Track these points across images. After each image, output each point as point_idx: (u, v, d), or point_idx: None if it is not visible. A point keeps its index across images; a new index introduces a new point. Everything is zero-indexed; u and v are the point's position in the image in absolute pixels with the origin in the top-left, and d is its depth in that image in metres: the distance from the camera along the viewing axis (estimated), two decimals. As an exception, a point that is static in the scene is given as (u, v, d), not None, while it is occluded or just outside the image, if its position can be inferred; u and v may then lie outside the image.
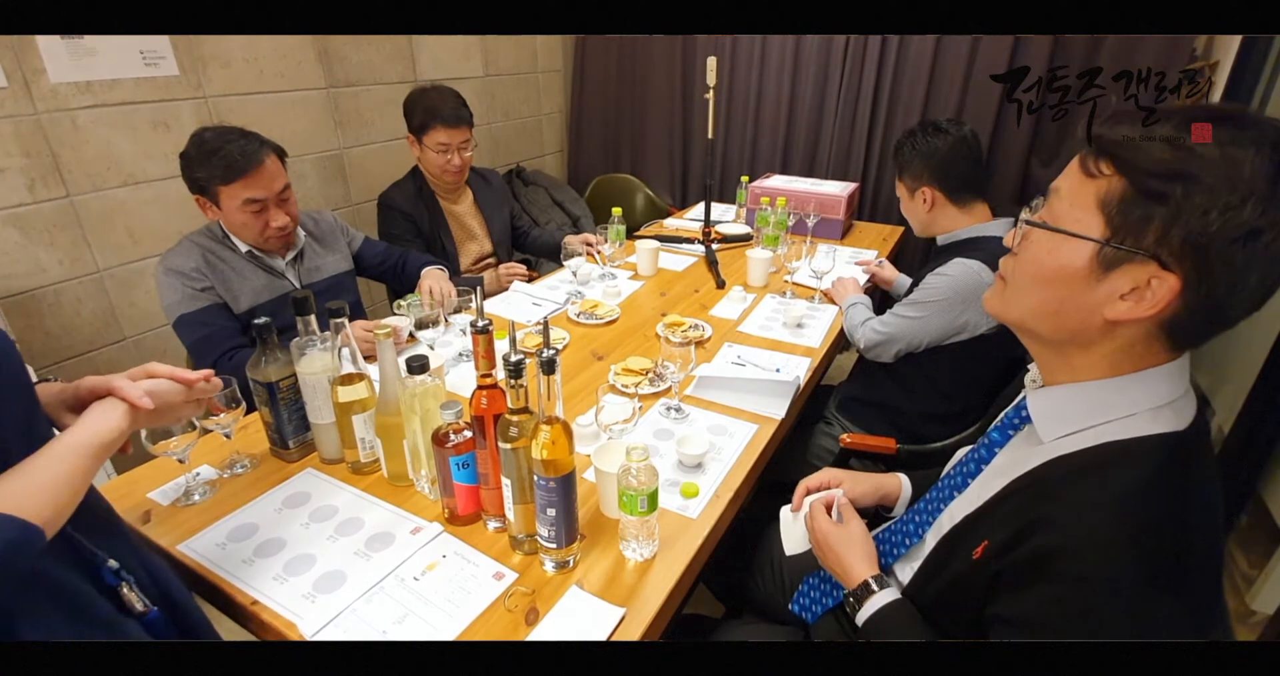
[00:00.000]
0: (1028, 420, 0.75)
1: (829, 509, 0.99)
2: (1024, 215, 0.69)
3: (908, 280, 2.03)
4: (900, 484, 1.08)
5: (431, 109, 2.00)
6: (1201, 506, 0.62)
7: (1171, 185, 0.56)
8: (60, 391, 0.81)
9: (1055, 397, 0.71)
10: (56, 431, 0.76)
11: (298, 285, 1.65)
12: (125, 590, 0.74)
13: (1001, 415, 0.85)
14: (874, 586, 0.85)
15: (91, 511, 0.77)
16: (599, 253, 2.09)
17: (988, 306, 0.77)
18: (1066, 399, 0.70)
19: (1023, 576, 0.63)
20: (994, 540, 0.69)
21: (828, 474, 1.07)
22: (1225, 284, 0.57)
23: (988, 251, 1.46)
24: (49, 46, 1.70)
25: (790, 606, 1.05)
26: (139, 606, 0.75)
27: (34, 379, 0.77)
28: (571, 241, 2.14)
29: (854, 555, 0.90)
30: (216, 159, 1.41)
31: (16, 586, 0.62)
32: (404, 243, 2.07)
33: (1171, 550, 0.58)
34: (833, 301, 1.88)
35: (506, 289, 2.00)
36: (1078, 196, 0.63)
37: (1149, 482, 0.61)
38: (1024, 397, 0.79)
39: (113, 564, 0.74)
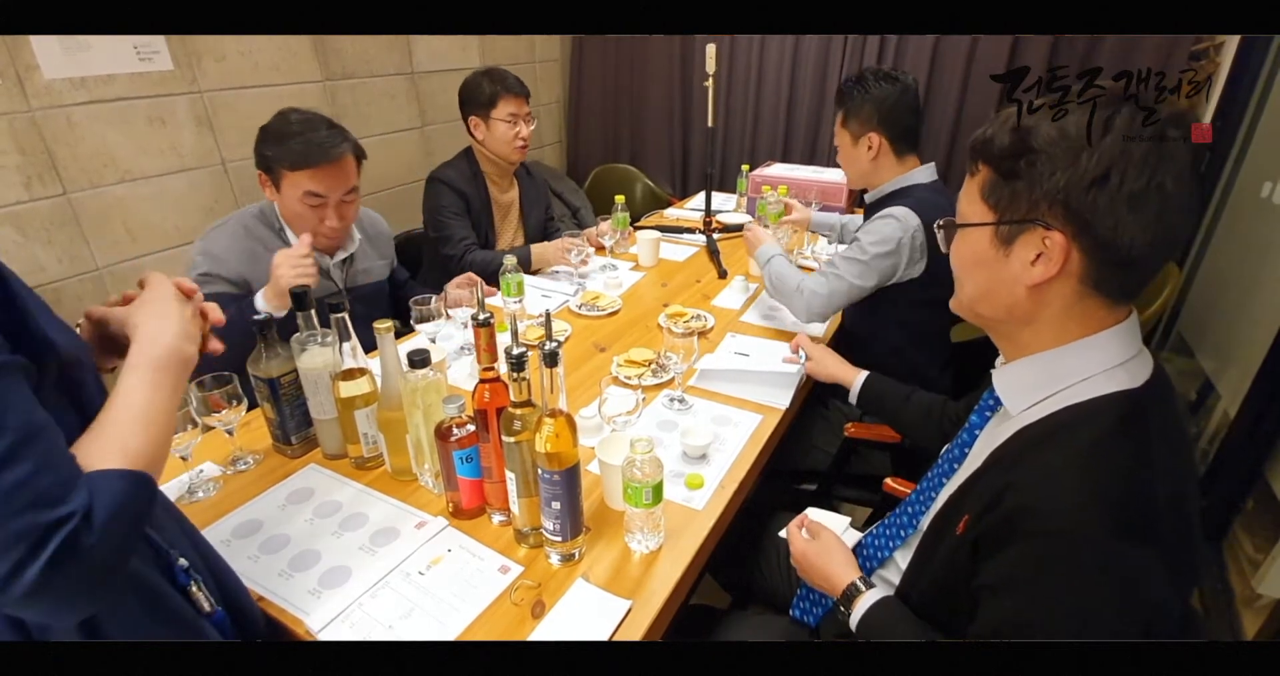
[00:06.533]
0: (1001, 402, 0.80)
1: (801, 528, 1.01)
2: (939, 223, 0.81)
3: (834, 217, 2.11)
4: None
5: (498, 80, 2.03)
6: (1164, 458, 0.65)
7: (1017, 162, 0.67)
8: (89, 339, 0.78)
9: (1015, 371, 0.77)
10: None
11: (341, 287, 1.61)
12: (194, 589, 0.74)
13: (979, 400, 0.90)
14: (860, 586, 0.88)
15: (161, 509, 0.77)
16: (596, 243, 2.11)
17: (954, 308, 0.83)
18: (1024, 370, 0.76)
19: (996, 540, 0.66)
20: (973, 513, 0.72)
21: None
22: (1105, 226, 0.64)
23: (914, 197, 1.49)
24: (42, 42, 1.68)
25: (791, 611, 1.06)
26: (206, 606, 0.74)
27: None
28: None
29: (833, 565, 0.93)
30: (293, 142, 1.37)
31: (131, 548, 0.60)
32: (450, 217, 2.05)
33: (1136, 501, 0.61)
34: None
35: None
36: (968, 195, 0.75)
37: (1105, 438, 0.66)
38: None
39: (183, 562, 0.74)
